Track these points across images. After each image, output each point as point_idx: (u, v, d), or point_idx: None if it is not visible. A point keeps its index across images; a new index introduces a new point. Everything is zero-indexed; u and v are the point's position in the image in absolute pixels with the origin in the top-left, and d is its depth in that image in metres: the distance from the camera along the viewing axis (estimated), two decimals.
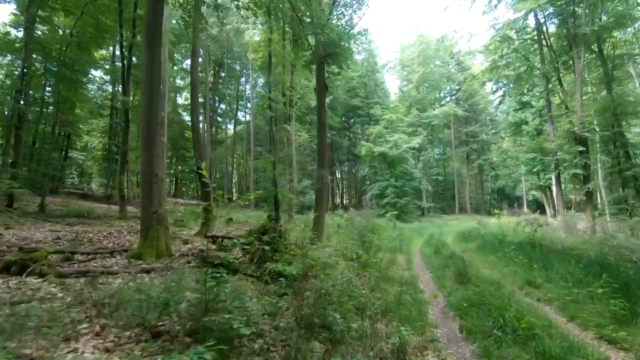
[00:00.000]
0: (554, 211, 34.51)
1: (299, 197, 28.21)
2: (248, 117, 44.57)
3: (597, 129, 18.00)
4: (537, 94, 34.33)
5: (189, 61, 42.72)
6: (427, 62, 36.70)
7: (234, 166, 49.98)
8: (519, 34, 19.55)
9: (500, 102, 41.92)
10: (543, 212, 34.00)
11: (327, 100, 32.51)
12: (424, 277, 7.43)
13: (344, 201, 49.11)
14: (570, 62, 17.74)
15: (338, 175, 52.45)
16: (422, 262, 9.29)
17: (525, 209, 33.60)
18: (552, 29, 19.10)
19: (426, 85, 38.88)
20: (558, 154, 18.44)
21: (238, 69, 45.05)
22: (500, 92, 41.70)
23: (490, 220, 23.56)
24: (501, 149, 41.76)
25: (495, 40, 19.39)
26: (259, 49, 18.93)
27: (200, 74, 42.64)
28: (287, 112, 18.72)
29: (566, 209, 38.05)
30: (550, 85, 18.70)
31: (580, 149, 16.85)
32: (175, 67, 38.66)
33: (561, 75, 18.46)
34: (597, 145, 20.37)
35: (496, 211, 25.73)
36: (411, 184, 28.61)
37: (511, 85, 37.63)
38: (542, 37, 18.77)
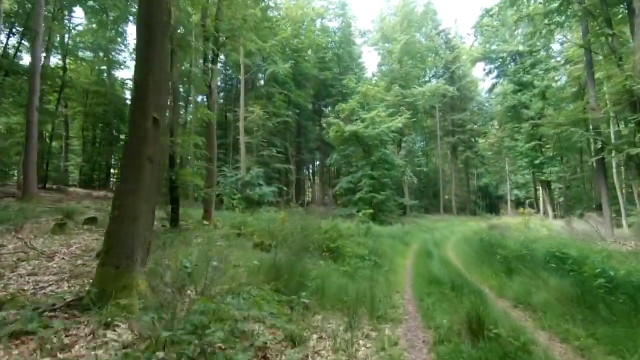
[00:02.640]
0: (554, 211, 29.63)
1: (245, 190, 21.39)
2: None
3: None
4: (540, 72, 29.25)
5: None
6: (410, 30, 30.58)
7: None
8: None
9: (493, 86, 36.69)
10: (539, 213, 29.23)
11: (286, 64, 25.64)
12: None
13: (315, 197, 42.53)
14: None
15: (311, 169, 45.87)
16: None
17: (529, 208, 28.33)
18: None
19: (410, 62, 32.85)
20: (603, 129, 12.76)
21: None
22: (494, 74, 36.62)
23: (509, 220, 17.55)
24: (489, 140, 36.62)
25: None
26: None
27: None
28: (206, 50, 12.01)
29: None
30: (598, 28, 12.87)
31: None
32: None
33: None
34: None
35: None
36: (391, 173, 22.33)
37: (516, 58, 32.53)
38: None
